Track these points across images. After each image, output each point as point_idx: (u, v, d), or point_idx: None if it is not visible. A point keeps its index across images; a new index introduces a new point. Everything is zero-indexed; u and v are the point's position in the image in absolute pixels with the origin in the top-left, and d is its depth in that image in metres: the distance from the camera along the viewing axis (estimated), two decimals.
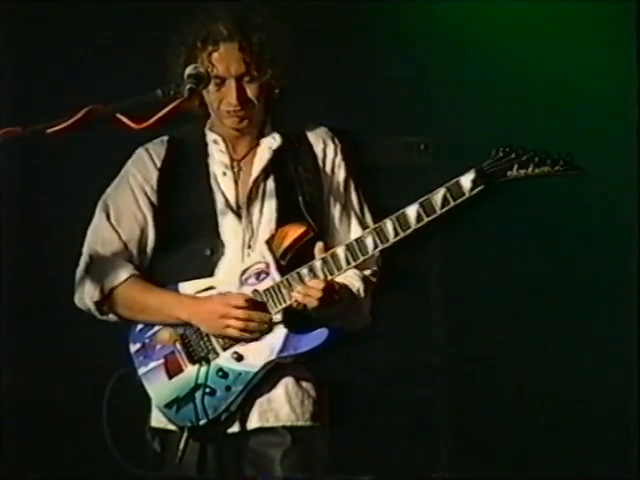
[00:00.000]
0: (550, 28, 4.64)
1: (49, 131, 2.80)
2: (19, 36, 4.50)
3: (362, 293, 3.38)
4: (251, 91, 3.32)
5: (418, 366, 4.66)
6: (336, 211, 3.44)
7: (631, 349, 4.50)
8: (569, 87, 4.60)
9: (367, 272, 3.42)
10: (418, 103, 4.67)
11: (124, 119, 2.84)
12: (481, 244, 4.63)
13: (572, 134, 4.46)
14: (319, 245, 3.26)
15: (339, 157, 3.46)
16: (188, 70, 3.02)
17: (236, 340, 3.30)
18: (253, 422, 3.32)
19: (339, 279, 3.28)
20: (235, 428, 3.32)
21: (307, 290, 3.21)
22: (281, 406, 3.32)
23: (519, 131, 4.50)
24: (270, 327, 3.28)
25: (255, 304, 3.28)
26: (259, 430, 3.32)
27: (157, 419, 3.37)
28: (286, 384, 3.34)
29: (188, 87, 2.96)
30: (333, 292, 3.23)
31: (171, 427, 3.33)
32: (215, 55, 3.31)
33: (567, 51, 4.62)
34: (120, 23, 4.47)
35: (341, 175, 3.46)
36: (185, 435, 3.30)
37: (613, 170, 4.40)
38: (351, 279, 3.37)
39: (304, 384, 3.36)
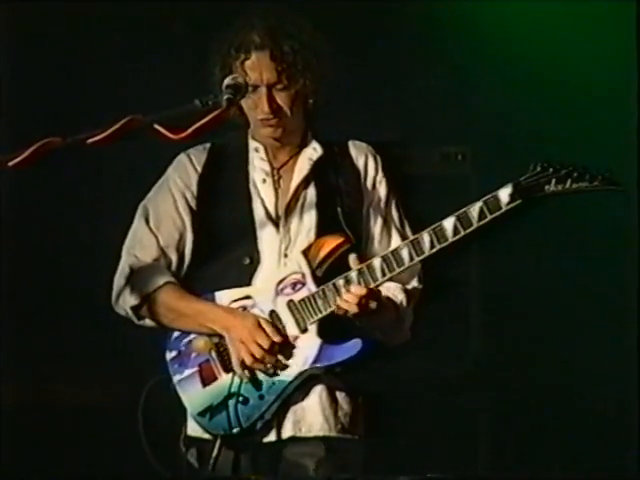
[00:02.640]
0: (568, 29, 4.64)
1: (89, 141, 2.82)
2: (55, 46, 4.56)
3: (405, 306, 3.37)
4: (282, 100, 3.31)
5: (453, 376, 4.65)
6: (377, 225, 3.42)
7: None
8: (570, 88, 4.60)
9: (409, 286, 3.41)
10: (455, 113, 4.67)
11: (162, 129, 2.85)
12: (516, 255, 4.63)
13: (573, 135, 4.46)
14: (352, 256, 3.25)
15: (380, 174, 3.45)
16: (227, 80, 3.02)
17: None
18: (287, 431, 3.32)
19: (382, 292, 3.27)
20: (270, 437, 3.32)
21: (347, 296, 3.19)
22: (314, 416, 3.31)
23: (556, 140, 4.50)
24: (275, 373, 3.28)
25: (277, 350, 3.26)
26: (293, 440, 3.31)
27: (193, 428, 3.36)
28: (320, 394, 3.32)
29: (226, 97, 2.95)
30: (373, 299, 3.21)
31: (207, 436, 3.33)
32: (248, 63, 3.31)
33: (566, 51, 4.61)
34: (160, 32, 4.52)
35: (382, 191, 3.45)
36: (218, 443, 3.30)
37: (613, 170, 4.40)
38: (394, 291, 3.36)
39: (338, 395, 3.35)
